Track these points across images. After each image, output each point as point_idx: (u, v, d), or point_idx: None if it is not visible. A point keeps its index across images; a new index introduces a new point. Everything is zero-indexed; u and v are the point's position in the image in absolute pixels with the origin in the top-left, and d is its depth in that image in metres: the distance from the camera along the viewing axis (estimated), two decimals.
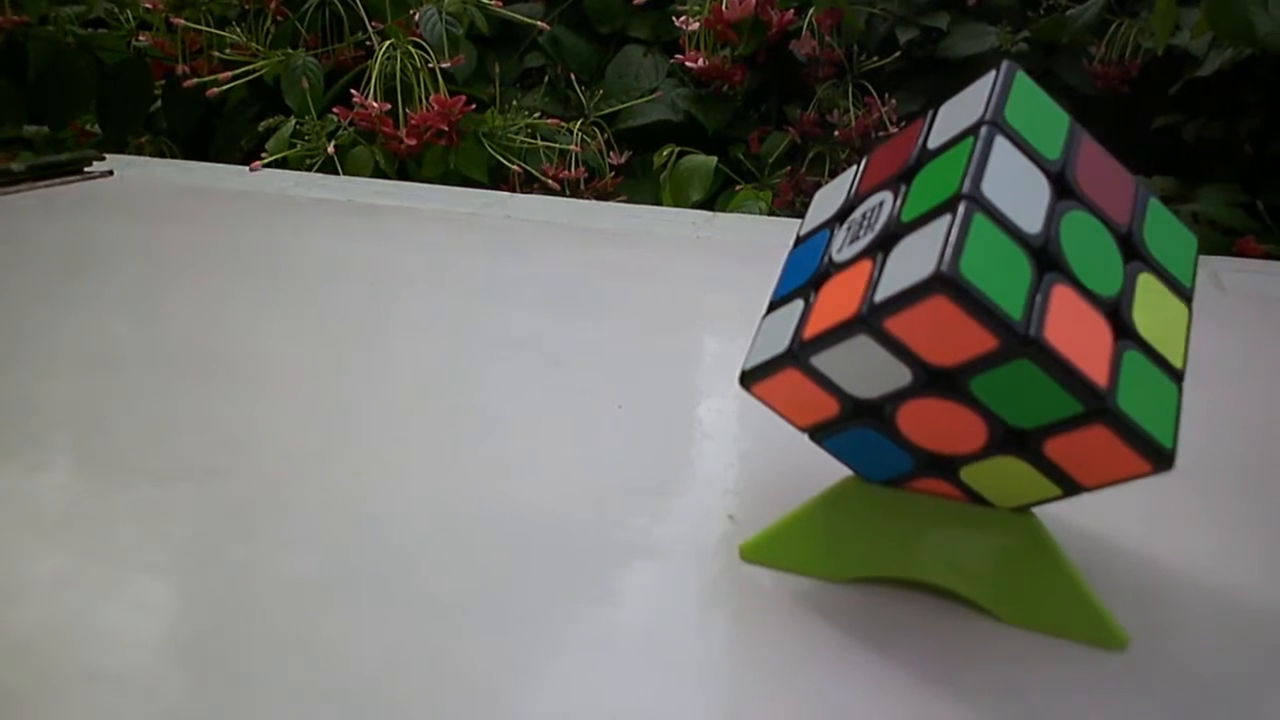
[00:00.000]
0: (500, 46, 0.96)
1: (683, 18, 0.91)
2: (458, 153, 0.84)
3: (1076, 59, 0.87)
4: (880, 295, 0.21)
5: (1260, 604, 0.25)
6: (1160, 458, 0.21)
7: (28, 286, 0.48)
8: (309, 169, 0.81)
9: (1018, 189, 0.21)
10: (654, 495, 0.29)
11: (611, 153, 0.91)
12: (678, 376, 0.39)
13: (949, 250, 0.20)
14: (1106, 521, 0.28)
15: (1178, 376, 0.22)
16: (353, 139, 0.83)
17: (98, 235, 0.59)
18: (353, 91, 0.83)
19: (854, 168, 0.26)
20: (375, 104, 0.81)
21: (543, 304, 0.47)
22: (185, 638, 0.23)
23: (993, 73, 0.23)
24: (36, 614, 0.24)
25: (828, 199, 0.27)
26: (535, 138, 0.88)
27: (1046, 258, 0.21)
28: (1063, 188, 0.22)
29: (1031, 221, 0.21)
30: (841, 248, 0.24)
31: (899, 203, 0.23)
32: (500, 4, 0.88)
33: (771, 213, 0.81)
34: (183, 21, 0.89)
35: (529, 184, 0.87)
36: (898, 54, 0.90)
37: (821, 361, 0.22)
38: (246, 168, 0.75)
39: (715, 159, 0.85)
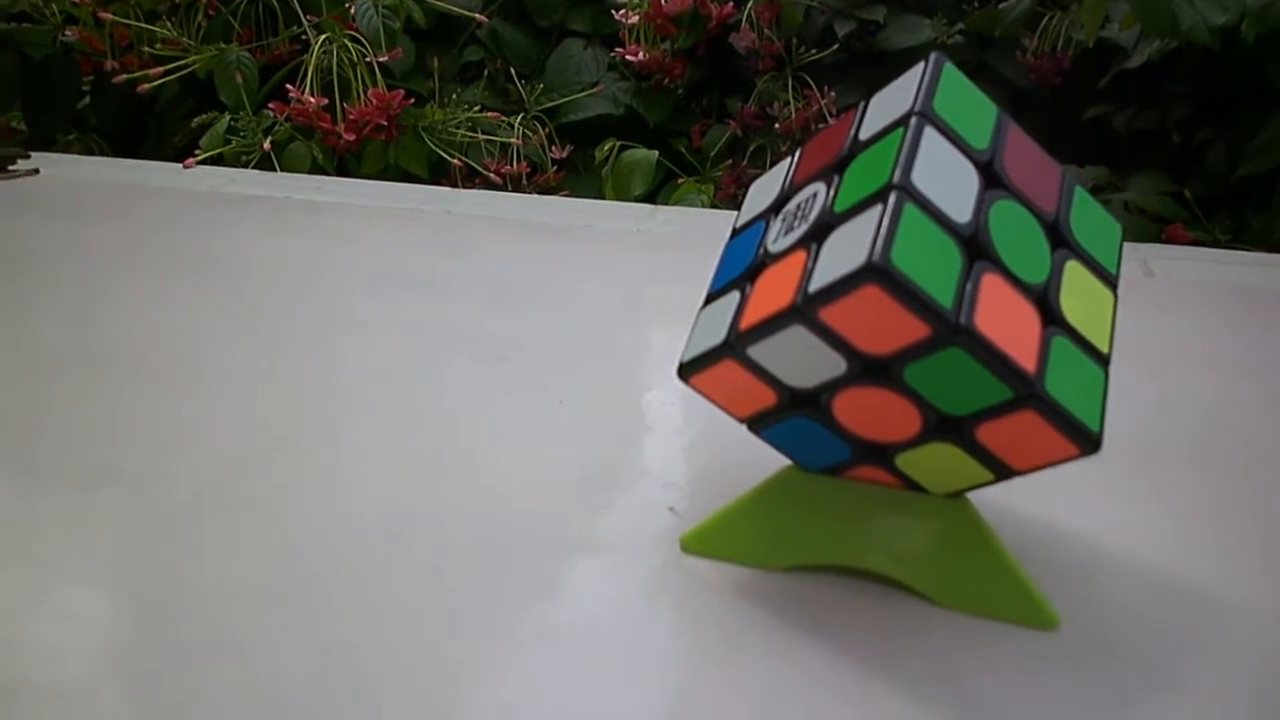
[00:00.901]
0: (438, 40, 0.95)
1: (622, 11, 0.91)
2: (397, 148, 0.83)
3: (1010, 51, 0.88)
4: (814, 285, 0.21)
5: (1185, 581, 0.25)
6: (1088, 441, 0.21)
7: None
8: (245, 166, 0.79)
9: (947, 179, 0.22)
10: (595, 490, 0.29)
11: (553, 147, 0.91)
12: (620, 370, 0.39)
13: (880, 240, 0.20)
14: (1039, 505, 0.28)
15: (1104, 361, 0.22)
16: (290, 135, 0.82)
17: (24, 236, 0.57)
18: (288, 86, 0.82)
19: (788, 159, 0.26)
20: (312, 99, 0.80)
21: (485, 300, 0.46)
22: (117, 646, 0.23)
23: (921, 64, 0.23)
24: None
25: (763, 190, 0.27)
26: (476, 132, 0.87)
27: (976, 246, 0.21)
28: (991, 177, 0.22)
29: (961, 211, 0.21)
30: (776, 239, 0.24)
31: (832, 193, 0.23)
32: None
33: (714, 206, 0.82)
34: (111, 16, 0.87)
35: (471, 179, 0.86)
36: (836, 46, 0.90)
37: (758, 352, 0.22)
38: (180, 165, 0.74)
39: (657, 153, 0.85)
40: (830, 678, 0.22)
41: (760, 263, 0.24)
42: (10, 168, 0.69)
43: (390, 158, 0.82)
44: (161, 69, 0.84)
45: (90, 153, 0.95)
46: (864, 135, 0.23)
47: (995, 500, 0.26)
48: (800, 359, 0.22)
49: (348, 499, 0.29)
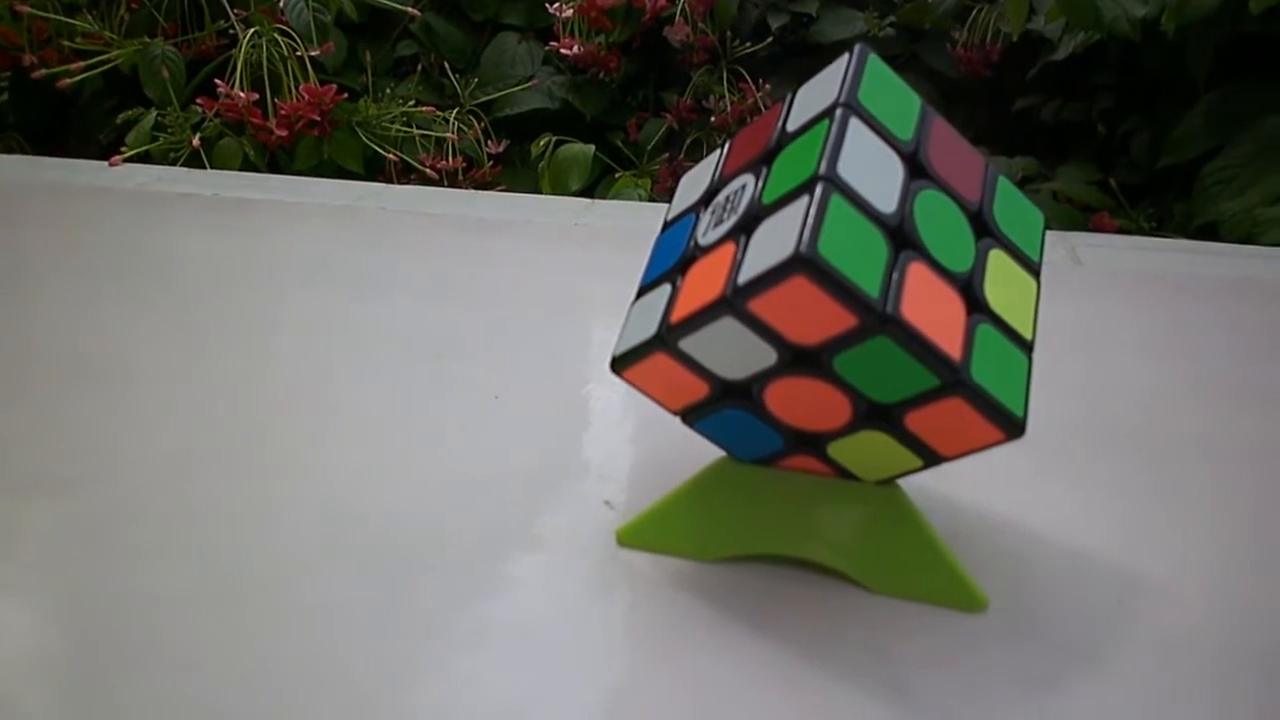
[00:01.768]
0: (371, 34, 0.94)
1: (556, 4, 0.90)
2: (331, 143, 0.81)
3: (940, 43, 0.89)
4: (743, 277, 0.21)
5: (1111, 562, 0.26)
6: (1012, 426, 0.22)
7: None
8: (173, 163, 0.77)
9: (873, 169, 0.22)
10: (531, 485, 0.29)
11: (489, 141, 0.90)
12: (557, 365, 0.39)
13: (807, 231, 0.20)
14: (970, 489, 0.29)
15: (1027, 348, 0.23)
16: (219, 131, 0.80)
17: None
18: (217, 81, 0.80)
19: (718, 151, 0.27)
20: (242, 94, 0.78)
21: (420, 296, 0.46)
22: (42, 656, 0.22)
23: (846, 56, 0.23)
24: None
25: (693, 183, 0.27)
26: (411, 127, 0.86)
27: (902, 236, 0.22)
28: (916, 168, 0.23)
29: (886, 201, 0.22)
30: (706, 231, 0.24)
31: (760, 185, 0.23)
32: None
33: (651, 199, 0.82)
34: (28, 9, 0.84)
35: (406, 174, 0.85)
36: (770, 39, 0.91)
37: (689, 344, 0.23)
38: (105, 163, 0.72)
39: (593, 147, 0.85)
40: (766, 667, 0.22)
41: (690, 255, 0.24)
42: None
43: (324, 154, 0.81)
44: (83, 64, 0.82)
45: (10, 151, 0.92)
46: (791, 127, 0.24)
47: (926, 486, 0.26)
48: (731, 350, 0.22)
49: (281, 500, 0.28)
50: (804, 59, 0.92)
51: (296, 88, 0.80)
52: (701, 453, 0.25)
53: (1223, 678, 0.22)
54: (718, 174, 0.26)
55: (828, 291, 0.20)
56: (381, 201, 0.65)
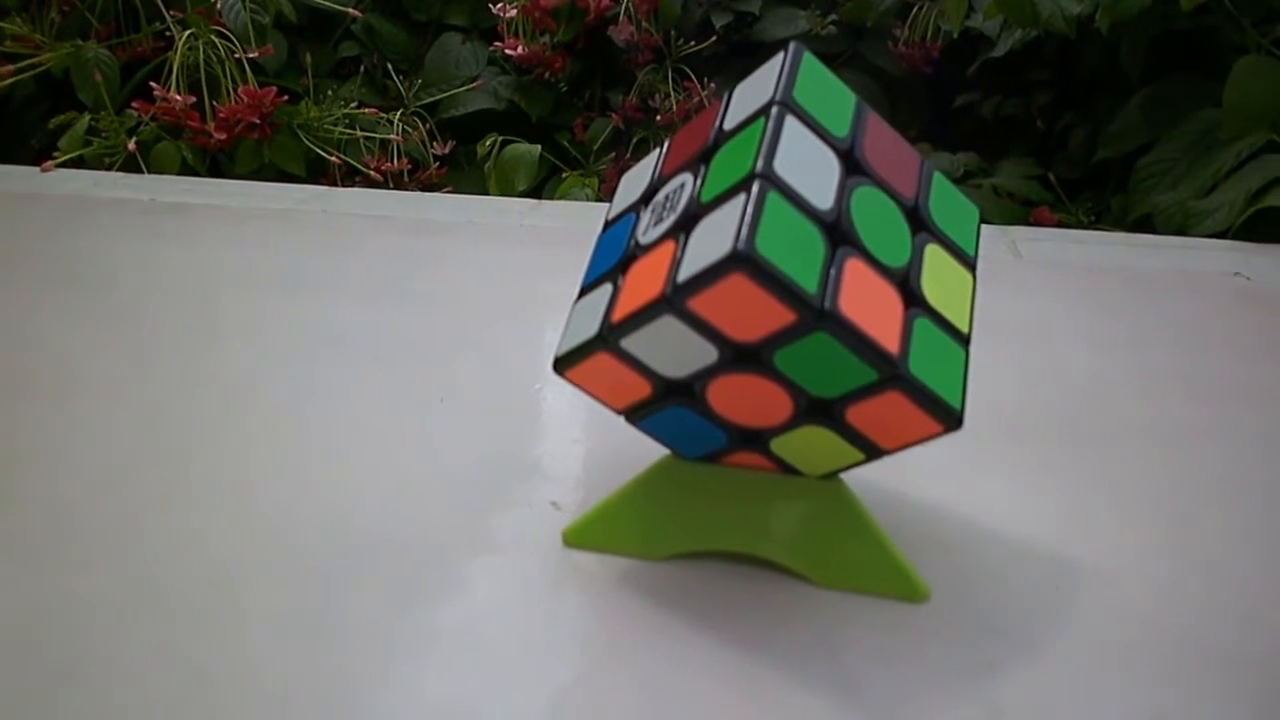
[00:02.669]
0: (311, 35, 0.93)
1: (500, 5, 0.90)
2: (272, 147, 0.80)
3: (882, 41, 0.90)
4: (682, 275, 0.21)
5: (1049, 550, 0.27)
6: (950, 418, 0.22)
7: None
8: (109, 168, 0.76)
9: (809, 166, 0.22)
10: (477, 488, 0.29)
11: (435, 143, 0.89)
12: (503, 366, 0.38)
13: (744, 228, 0.20)
14: (912, 481, 0.29)
15: (964, 341, 0.23)
16: (156, 135, 0.79)
17: None
18: (153, 85, 0.79)
19: (657, 150, 0.27)
20: (179, 97, 0.77)
21: (364, 299, 0.46)
22: None
23: (781, 54, 0.24)
24: None
25: (634, 182, 0.27)
26: (354, 129, 0.85)
27: (838, 232, 0.22)
28: (852, 164, 0.23)
29: (823, 198, 0.22)
30: (646, 230, 0.24)
31: (699, 183, 0.23)
32: None
33: (599, 199, 0.82)
34: None
35: (351, 177, 0.85)
36: (714, 38, 0.91)
37: (631, 343, 0.23)
38: (37, 168, 0.70)
39: (539, 147, 0.84)
40: (713, 663, 0.22)
41: (631, 254, 0.24)
42: None
43: (265, 157, 0.80)
44: (13, 67, 0.80)
45: None
46: (728, 125, 0.24)
47: (869, 479, 0.27)
48: (672, 349, 0.22)
49: (224, 507, 0.28)
50: (748, 57, 0.92)
51: (235, 90, 0.79)
52: (646, 452, 0.25)
53: (1158, 660, 0.23)
54: (657, 173, 0.26)
55: (766, 288, 0.20)
56: (324, 204, 0.64)
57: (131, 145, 0.76)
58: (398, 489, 0.29)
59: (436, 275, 0.50)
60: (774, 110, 0.22)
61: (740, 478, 0.24)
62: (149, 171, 0.76)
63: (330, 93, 0.88)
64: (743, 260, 0.20)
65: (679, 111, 0.88)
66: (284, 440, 0.32)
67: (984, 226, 0.68)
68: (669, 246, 0.22)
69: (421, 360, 0.39)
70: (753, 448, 0.24)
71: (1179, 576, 0.26)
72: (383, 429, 0.33)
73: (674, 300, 0.21)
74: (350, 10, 0.89)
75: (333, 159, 0.82)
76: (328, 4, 0.88)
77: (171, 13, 0.84)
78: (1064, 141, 0.86)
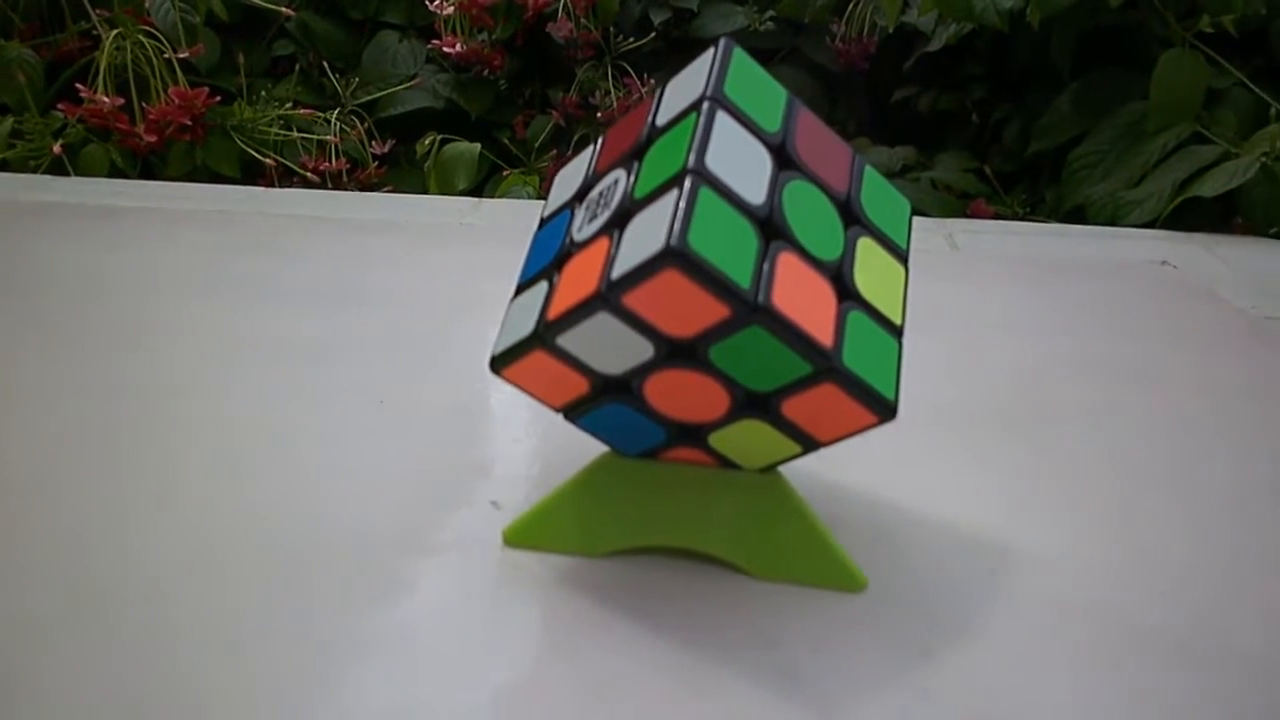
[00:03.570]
0: (244, 34, 0.91)
1: (437, 2, 0.89)
2: (205, 148, 0.79)
3: (820, 37, 0.91)
4: (617, 272, 0.21)
5: (984, 536, 0.27)
6: (884, 409, 0.22)
7: None
8: (34, 171, 0.74)
9: (741, 161, 0.22)
10: (416, 489, 0.29)
11: (374, 142, 0.88)
12: (442, 367, 0.38)
13: (677, 224, 0.20)
14: (849, 472, 0.29)
15: (897, 333, 0.23)
16: (84, 137, 0.77)
17: None
18: (79, 86, 0.77)
19: (592, 147, 0.27)
20: (106, 99, 0.75)
21: (302, 302, 0.45)
22: None
23: (711, 50, 0.24)
24: None
25: (568, 179, 0.27)
26: (291, 129, 0.84)
27: (771, 227, 0.22)
28: (783, 159, 0.23)
29: (755, 193, 0.22)
30: (581, 227, 0.24)
31: (632, 180, 0.23)
32: None
33: (540, 197, 0.81)
34: None
35: (288, 178, 0.83)
36: (653, 35, 0.91)
37: (567, 341, 0.22)
38: None
39: (479, 145, 0.84)
40: (655, 657, 0.22)
41: (566, 252, 0.24)
42: None
43: (198, 159, 0.78)
44: None
45: None
46: (660, 121, 0.24)
47: (807, 471, 0.27)
48: (609, 345, 0.22)
49: (158, 514, 0.27)
50: (687, 53, 0.92)
51: (165, 91, 0.77)
52: (587, 449, 0.25)
53: (1088, 642, 0.23)
54: (591, 170, 0.26)
55: (699, 283, 0.20)
56: (260, 206, 0.63)
57: (57, 148, 0.74)
58: (336, 492, 0.29)
59: (376, 276, 0.49)
60: (705, 106, 0.22)
61: (679, 473, 0.24)
62: (77, 174, 0.75)
63: (265, 92, 0.87)
64: (676, 256, 0.20)
65: (619, 108, 0.88)
66: (219, 446, 0.31)
67: (922, 219, 0.70)
68: (603, 243, 0.22)
69: (361, 362, 0.38)
70: (691, 443, 0.24)
71: (1110, 559, 0.26)
72: (321, 432, 0.32)
73: (609, 297, 0.21)
74: (283, 9, 0.87)
75: (268, 160, 0.81)
76: (261, 2, 0.86)
77: (98, 11, 0.82)
78: (999, 135, 0.87)
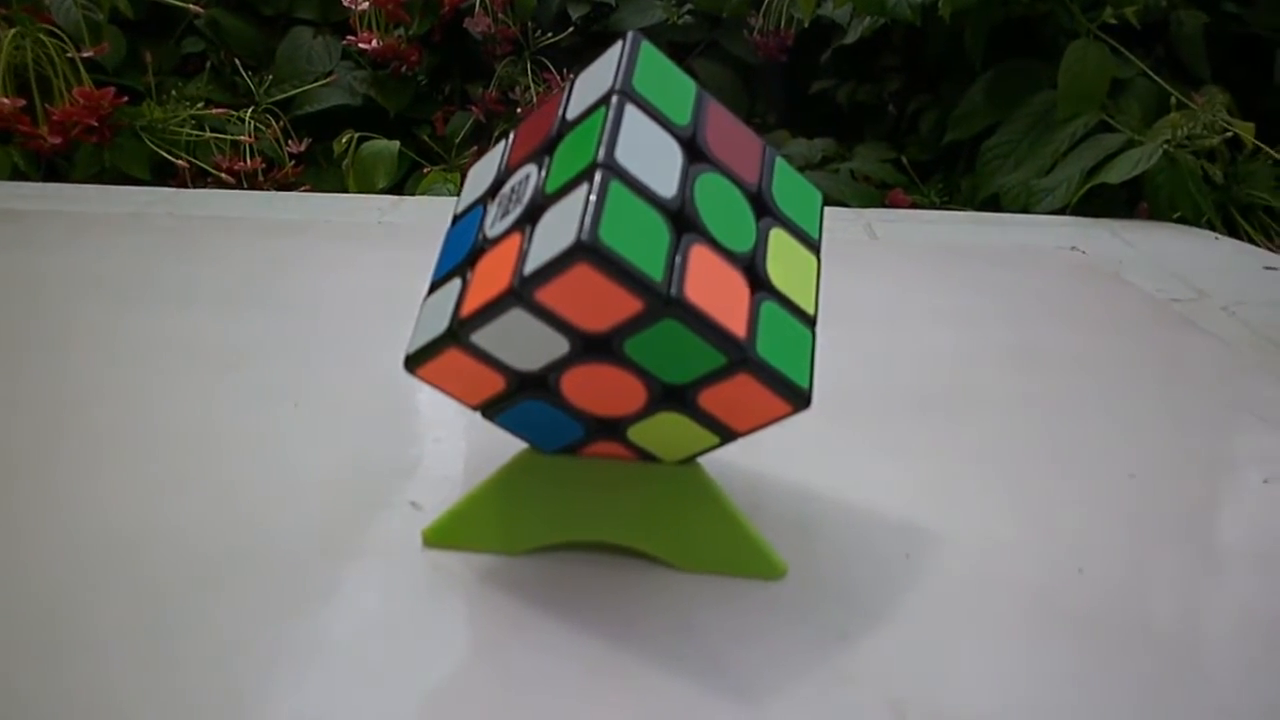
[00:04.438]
0: (152, 32, 0.89)
1: None
2: (113, 149, 0.77)
3: (738, 30, 0.92)
4: (529, 267, 0.21)
5: (898, 518, 0.27)
6: (799, 398, 0.22)
7: None
8: None
9: (651, 155, 0.22)
10: (333, 493, 0.28)
11: (290, 141, 0.87)
12: (358, 368, 0.38)
13: (588, 218, 0.20)
14: (769, 461, 0.30)
15: (810, 322, 0.24)
16: None
17: None
18: None
19: (503, 142, 0.26)
20: (6, 100, 0.73)
21: (214, 304, 0.44)
22: None
23: (620, 44, 0.24)
24: None
25: (481, 175, 0.27)
26: (203, 129, 0.82)
27: (683, 219, 0.22)
28: (694, 152, 0.23)
29: (666, 186, 0.22)
30: (494, 223, 0.24)
31: (543, 174, 0.23)
32: None
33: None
34: None
35: (201, 178, 0.81)
36: (571, 29, 0.91)
37: (482, 338, 0.22)
38: None
39: (398, 143, 0.83)
40: (578, 653, 0.22)
41: (479, 248, 0.24)
42: None
43: (105, 161, 0.76)
44: None
45: None
46: (570, 115, 0.24)
47: (727, 461, 0.27)
48: (523, 342, 0.22)
49: (61, 527, 0.26)
50: (606, 48, 0.92)
51: (69, 91, 0.75)
52: (508, 448, 0.25)
53: (1003, 620, 0.24)
54: (503, 165, 0.25)
55: (611, 277, 0.20)
56: (171, 207, 0.61)
57: None
58: (249, 499, 0.28)
59: (292, 277, 0.48)
60: (614, 99, 0.22)
61: (599, 468, 0.24)
62: None
63: (175, 91, 0.84)
64: (587, 250, 0.20)
65: (540, 103, 0.88)
66: (127, 454, 0.30)
67: (842, 209, 0.70)
68: (515, 239, 0.22)
69: (275, 365, 0.37)
70: (610, 437, 0.24)
71: (1024, 539, 0.27)
72: (233, 438, 0.32)
73: (521, 293, 0.21)
74: (192, 6, 0.85)
75: (180, 161, 0.79)
76: None
77: None
78: (916, 125, 0.89)
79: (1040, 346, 0.41)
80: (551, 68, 0.90)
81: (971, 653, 0.23)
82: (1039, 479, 0.31)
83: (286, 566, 0.25)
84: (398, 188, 0.83)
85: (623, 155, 0.21)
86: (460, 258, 0.24)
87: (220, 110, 0.83)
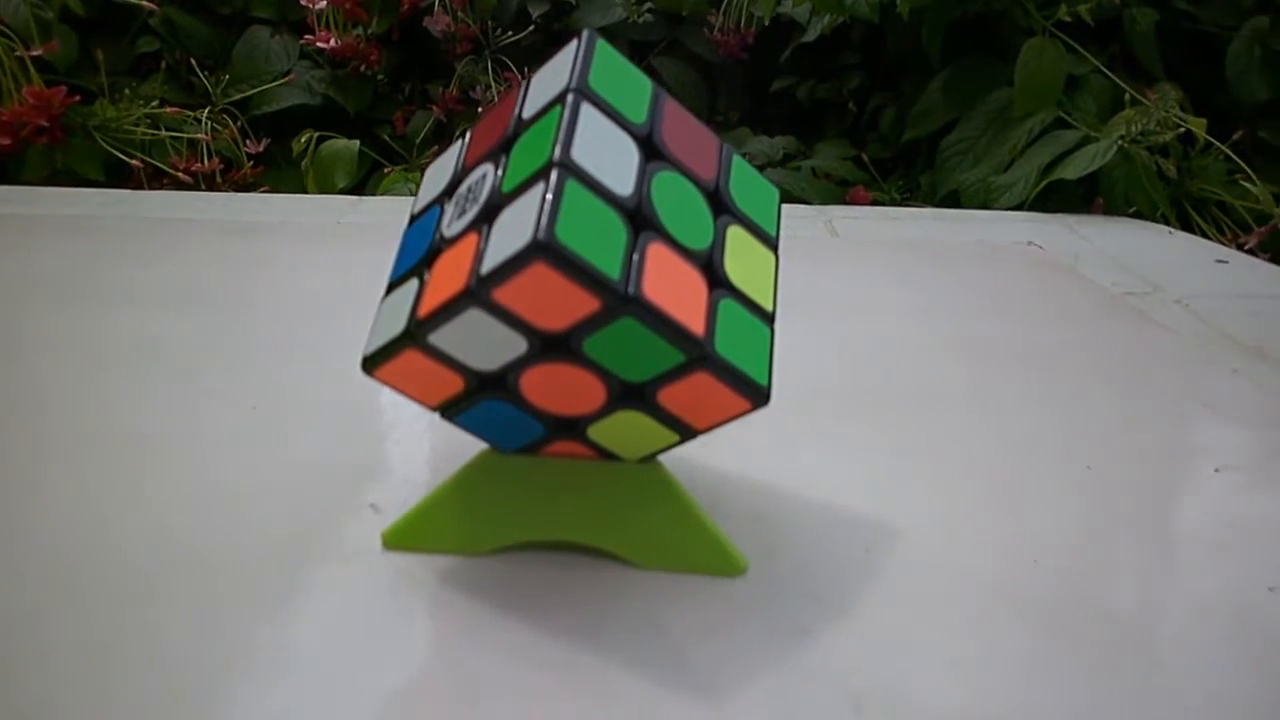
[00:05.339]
0: (104, 31, 0.87)
1: None
2: (66, 150, 0.75)
3: (699, 28, 0.92)
4: (486, 267, 0.21)
5: (858, 513, 0.28)
6: (758, 395, 0.22)
7: None
8: None
9: (607, 153, 0.22)
10: (291, 497, 0.28)
11: (248, 141, 0.86)
12: (316, 370, 0.37)
13: (544, 217, 0.20)
14: (729, 458, 0.30)
15: (769, 319, 0.24)
16: None
17: None
18: None
19: (460, 141, 0.26)
20: None
21: (170, 307, 0.43)
22: None
23: (575, 42, 0.24)
24: None
25: (438, 174, 0.26)
26: (158, 129, 0.81)
27: (640, 218, 0.22)
28: (651, 150, 0.23)
29: (623, 184, 0.22)
30: (450, 222, 0.24)
31: (500, 173, 0.23)
32: None
33: None
34: None
35: (158, 180, 0.80)
36: (532, 28, 0.91)
37: (439, 338, 0.22)
38: None
39: (358, 143, 0.82)
40: (540, 654, 0.22)
41: (436, 248, 0.23)
42: None
43: (58, 162, 0.75)
44: None
45: None
46: (527, 114, 0.23)
47: (688, 458, 0.27)
48: (481, 342, 0.22)
49: (16, 533, 0.26)
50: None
51: (19, 91, 0.73)
52: (468, 448, 0.25)
53: (962, 611, 0.24)
54: (460, 164, 0.25)
55: (569, 276, 0.20)
56: (126, 209, 0.61)
57: None
58: (206, 503, 0.28)
59: (250, 278, 0.48)
60: (570, 98, 0.22)
61: (559, 467, 0.24)
62: None
63: (129, 91, 0.83)
64: (543, 249, 0.20)
65: (498, 101, 0.88)
66: (83, 459, 0.30)
67: (803, 206, 0.71)
68: (472, 238, 0.22)
69: (233, 368, 0.37)
70: (570, 436, 0.24)
71: (983, 531, 0.27)
72: (190, 442, 0.31)
73: (478, 292, 0.21)
74: (146, 4, 0.84)
75: (135, 162, 0.78)
76: None
77: None
78: (876, 122, 0.89)
79: (998, 340, 0.42)
80: (512, 67, 0.90)
81: (930, 645, 0.23)
82: (997, 472, 0.31)
83: (245, 571, 0.25)
84: (359, 188, 0.83)
85: (579, 154, 0.21)
86: (417, 258, 0.24)
87: (175, 110, 0.82)
